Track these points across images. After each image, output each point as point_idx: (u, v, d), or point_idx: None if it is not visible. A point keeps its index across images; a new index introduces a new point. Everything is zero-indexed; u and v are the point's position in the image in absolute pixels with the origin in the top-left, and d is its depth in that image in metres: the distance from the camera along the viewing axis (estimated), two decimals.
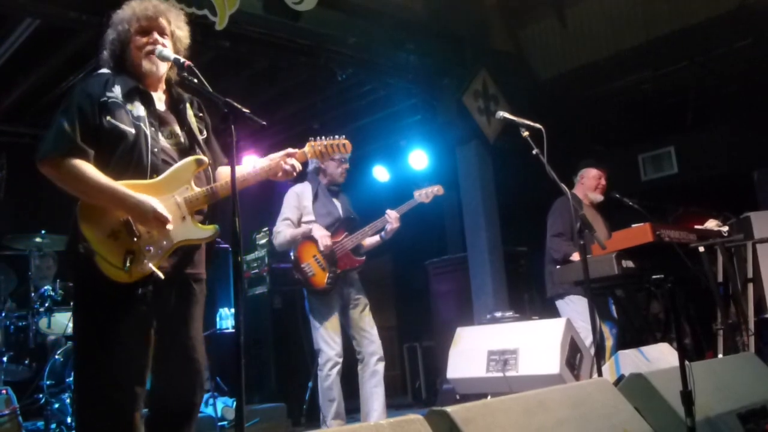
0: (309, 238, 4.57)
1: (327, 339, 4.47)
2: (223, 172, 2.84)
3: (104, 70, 2.67)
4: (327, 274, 4.51)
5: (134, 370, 2.44)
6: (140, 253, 2.46)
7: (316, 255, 4.54)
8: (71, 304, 4.78)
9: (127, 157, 2.51)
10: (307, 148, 2.98)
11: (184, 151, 2.69)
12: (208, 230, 2.64)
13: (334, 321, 4.53)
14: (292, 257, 4.61)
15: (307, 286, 4.55)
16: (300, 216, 4.69)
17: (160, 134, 2.63)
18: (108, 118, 2.49)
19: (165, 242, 2.53)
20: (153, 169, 2.55)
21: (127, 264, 2.42)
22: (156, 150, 2.58)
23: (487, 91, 7.06)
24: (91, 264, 2.41)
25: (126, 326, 2.43)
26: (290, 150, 2.86)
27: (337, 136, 3.11)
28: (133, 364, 2.44)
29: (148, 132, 2.57)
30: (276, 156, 2.85)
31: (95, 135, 2.48)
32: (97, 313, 2.46)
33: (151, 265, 2.47)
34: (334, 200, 4.79)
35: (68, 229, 2.52)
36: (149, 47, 2.64)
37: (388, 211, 4.68)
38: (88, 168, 2.44)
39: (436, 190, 4.87)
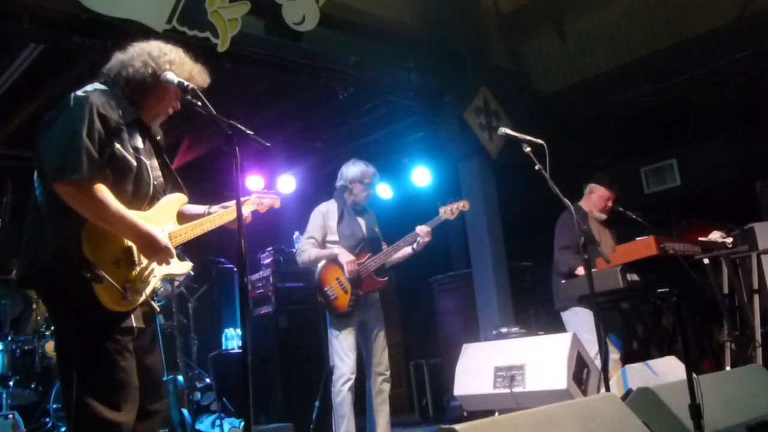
0: (334, 261, 4.63)
1: (342, 355, 4.54)
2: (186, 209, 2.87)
3: (104, 87, 2.58)
4: (349, 297, 4.57)
5: (131, 396, 2.42)
6: (136, 282, 2.48)
7: (340, 278, 4.60)
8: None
9: (132, 186, 2.52)
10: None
11: (161, 184, 2.72)
12: (186, 266, 2.75)
13: (350, 338, 4.58)
14: (315, 280, 4.65)
15: (330, 309, 4.62)
16: (324, 235, 4.77)
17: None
18: (118, 146, 2.47)
19: (156, 273, 2.58)
20: (152, 198, 2.61)
21: (127, 292, 2.41)
22: (156, 183, 2.64)
23: (489, 107, 7.09)
24: (86, 291, 2.32)
25: (118, 352, 2.40)
26: (227, 204, 2.95)
27: (267, 190, 3.37)
28: (130, 389, 2.42)
29: (148, 163, 2.61)
30: (225, 207, 2.94)
31: (109, 160, 2.44)
32: (93, 338, 2.38)
33: (145, 293, 2.51)
34: (359, 219, 4.86)
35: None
36: (177, 104, 2.71)
37: (418, 228, 4.69)
38: (108, 193, 2.38)
39: (462, 205, 4.78)
